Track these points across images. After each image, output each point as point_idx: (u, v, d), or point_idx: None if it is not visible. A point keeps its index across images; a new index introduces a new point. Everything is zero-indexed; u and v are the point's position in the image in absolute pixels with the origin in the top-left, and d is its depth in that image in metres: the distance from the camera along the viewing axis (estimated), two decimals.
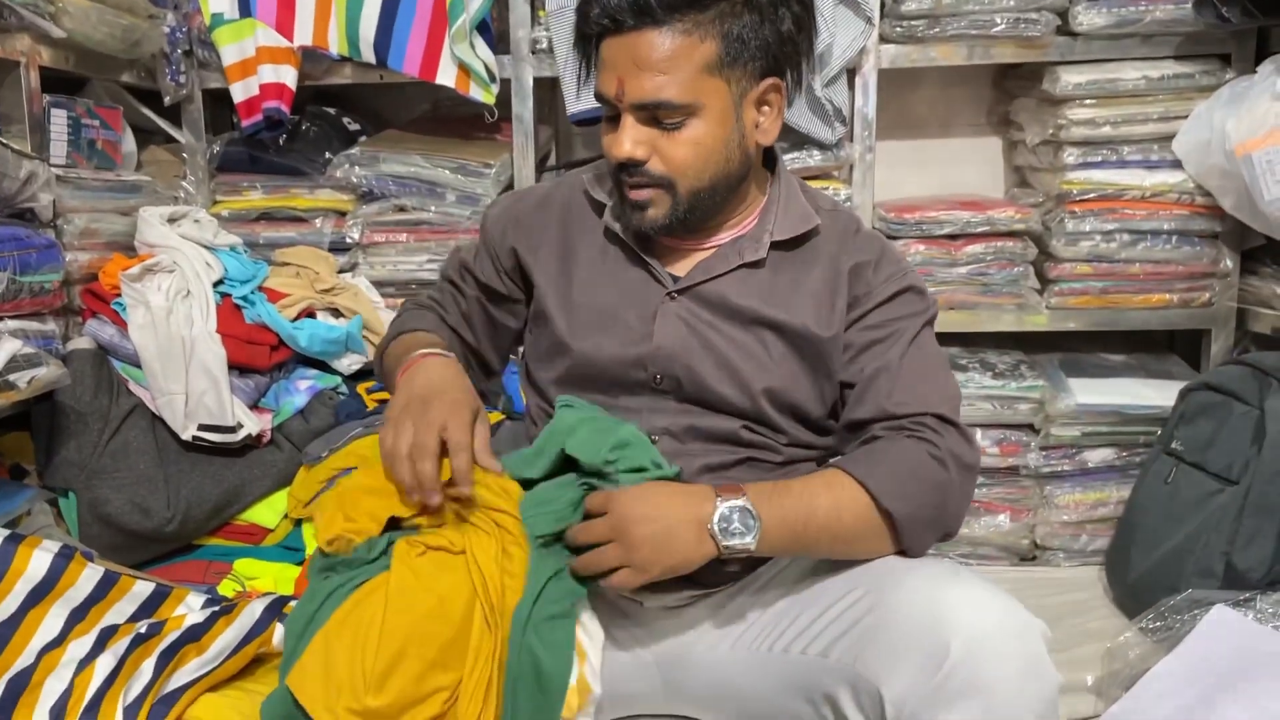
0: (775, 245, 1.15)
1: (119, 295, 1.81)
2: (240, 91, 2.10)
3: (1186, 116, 2.07)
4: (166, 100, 2.15)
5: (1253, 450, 1.81)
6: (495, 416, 1.99)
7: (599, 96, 1.10)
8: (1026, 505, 2.22)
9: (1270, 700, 1.48)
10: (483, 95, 2.08)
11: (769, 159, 1.22)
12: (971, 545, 2.22)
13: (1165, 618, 1.69)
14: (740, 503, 0.98)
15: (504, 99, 2.13)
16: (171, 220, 1.95)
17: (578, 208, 1.22)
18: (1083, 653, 1.80)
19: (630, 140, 1.06)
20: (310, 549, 1.81)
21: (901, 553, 1.05)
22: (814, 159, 2.14)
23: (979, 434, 2.18)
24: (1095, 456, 2.20)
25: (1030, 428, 2.19)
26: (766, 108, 1.13)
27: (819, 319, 1.13)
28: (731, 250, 1.15)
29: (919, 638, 0.88)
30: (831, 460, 1.12)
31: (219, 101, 2.26)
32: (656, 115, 1.07)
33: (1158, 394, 2.15)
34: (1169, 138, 2.09)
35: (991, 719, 0.85)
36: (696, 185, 1.09)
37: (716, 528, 0.97)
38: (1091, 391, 2.17)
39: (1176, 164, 2.09)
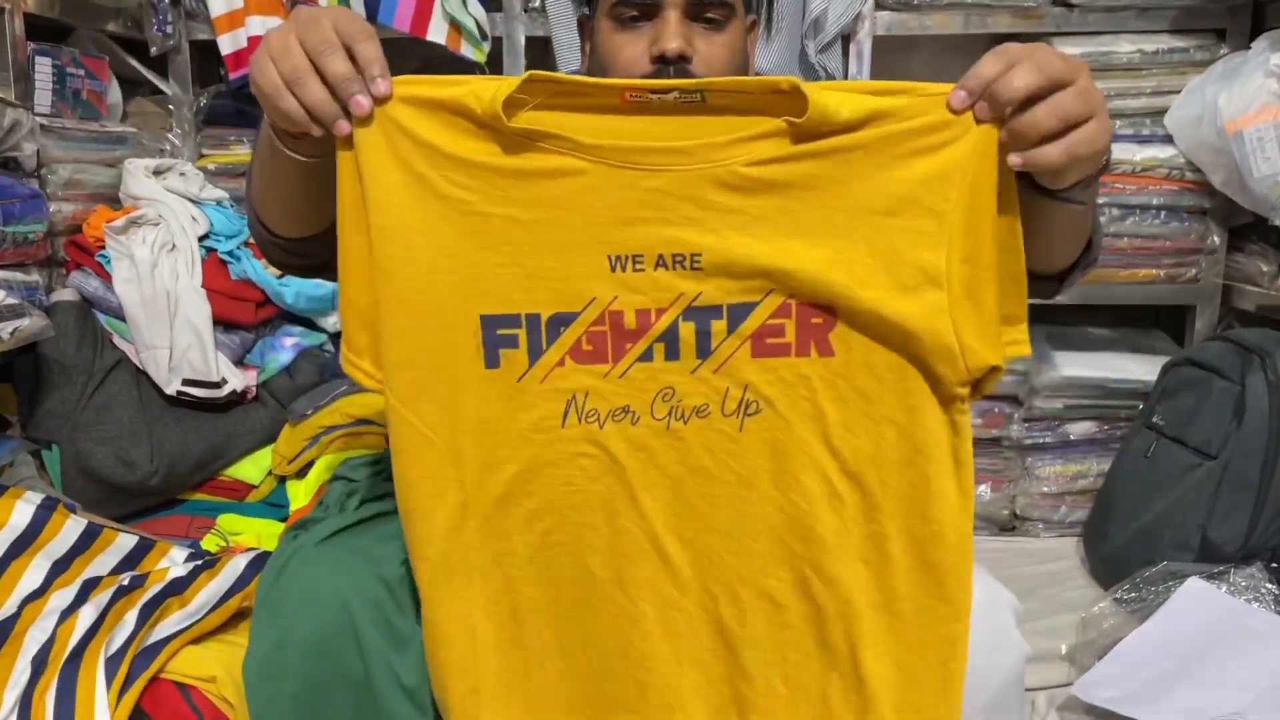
0: None
1: (103, 247, 1.80)
2: (228, 43, 2.07)
3: (1180, 91, 2.07)
4: (153, 51, 2.12)
5: (1232, 426, 1.82)
6: None
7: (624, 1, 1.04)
8: (1008, 476, 2.23)
9: (1241, 671, 1.51)
10: (474, 53, 2.06)
11: None
12: None
13: (1140, 589, 1.72)
14: None
15: (495, 57, 2.11)
16: (157, 173, 1.93)
17: None
18: (1058, 622, 1.83)
19: (680, 36, 1.04)
20: (294, 505, 1.82)
21: (1072, 269, 0.96)
22: None
23: None
24: (1077, 429, 2.22)
25: (1014, 399, 2.20)
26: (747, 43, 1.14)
27: None
28: None
29: None
30: None
31: (206, 53, 2.23)
32: (705, 11, 1.05)
33: (1141, 368, 2.17)
34: (1161, 112, 2.09)
35: None
36: None
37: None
38: (1076, 365, 2.19)
39: (1168, 139, 2.09)
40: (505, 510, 0.81)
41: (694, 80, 0.78)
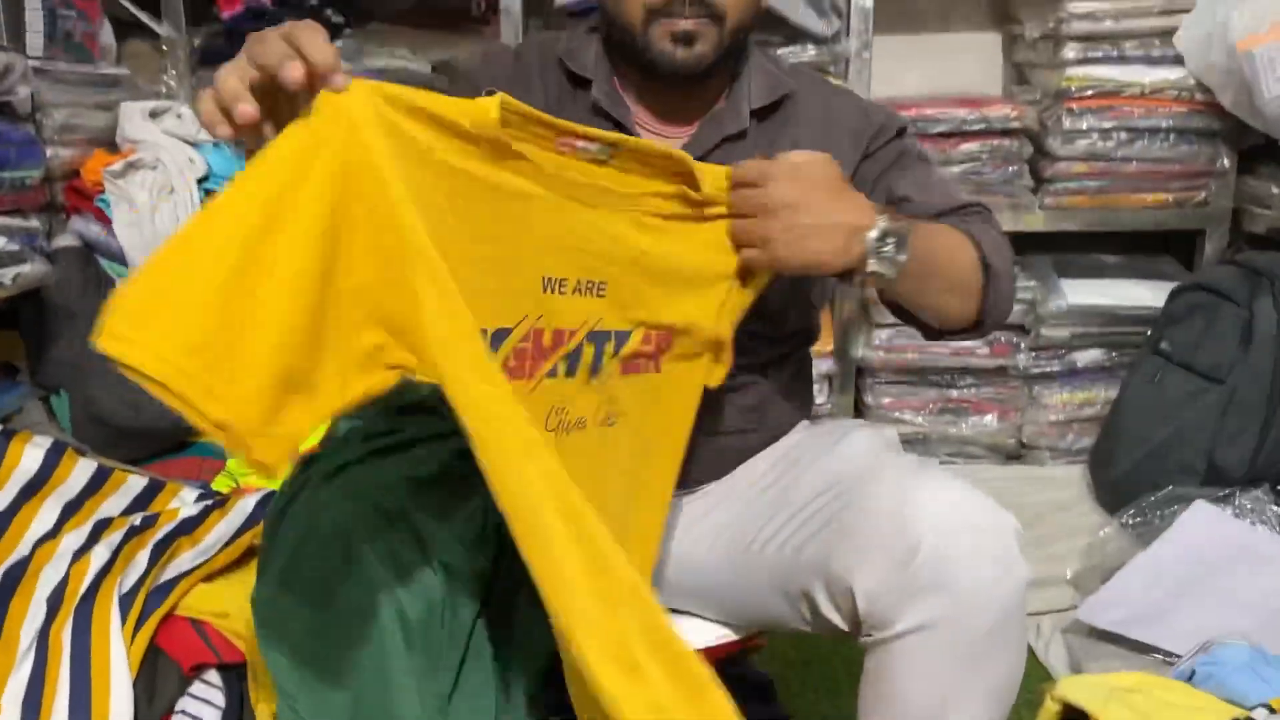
0: (754, 113, 1.13)
1: (103, 192, 1.79)
2: None
3: (1190, 10, 2.03)
4: None
5: (1240, 351, 1.82)
6: None
7: None
8: (1014, 405, 2.23)
9: (1245, 592, 1.52)
10: None
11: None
12: (959, 444, 2.25)
13: (1145, 513, 1.72)
14: (899, 226, 0.94)
15: None
16: (153, 115, 1.92)
17: (553, 83, 1.17)
18: (1064, 548, 1.84)
19: None
20: (303, 444, 1.83)
21: (978, 323, 1.06)
22: (809, 53, 2.09)
23: None
24: (1084, 357, 2.21)
25: (1021, 328, 2.19)
26: None
27: None
28: (711, 126, 1.13)
29: (889, 534, 0.89)
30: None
31: None
32: None
33: (1149, 294, 2.15)
34: (1171, 32, 2.05)
35: (958, 612, 0.87)
36: (738, 23, 1.06)
37: (871, 244, 0.92)
38: (1083, 292, 2.17)
39: (1178, 60, 2.06)
40: None
41: (614, 135, 0.87)
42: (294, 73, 0.70)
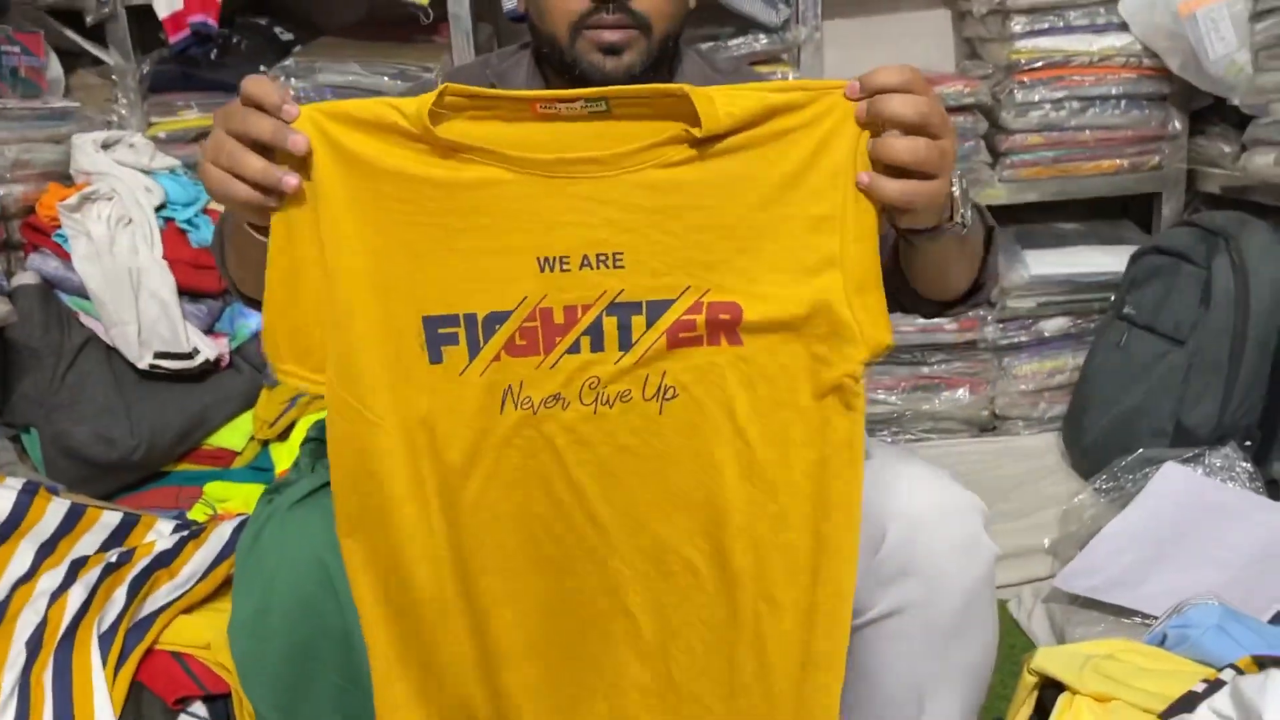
0: None
1: (59, 227, 1.78)
2: (164, 6, 2.02)
3: None
4: (89, 20, 2.07)
5: (1200, 310, 1.84)
6: None
7: None
8: (985, 378, 2.25)
9: (1218, 550, 1.54)
10: None
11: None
12: (933, 420, 2.26)
13: (1118, 478, 1.74)
14: (965, 185, 0.88)
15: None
16: (106, 146, 1.90)
17: None
18: (1042, 517, 1.86)
19: None
20: (280, 467, 1.83)
21: (975, 288, 1.02)
22: (760, 43, 2.10)
23: None
24: (1051, 326, 2.23)
25: (987, 301, 2.21)
26: None
27: None
28: None
29: None
30: None
31: (145, 18, 2.17)
32: None
33: (1111, 260, 2.17)
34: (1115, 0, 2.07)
35: (928, 595, 0.88)
36: (664, 30, 1.06)
37: (959, 191, 0.87)
38: (1046, 262, 2.19)
39: (1123, 26, 2.07)
40: (454, 486, 0.87)
41: (596, 90, 0.81)
42: (263, 127, 0.79)
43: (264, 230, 0.85)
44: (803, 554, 0.86)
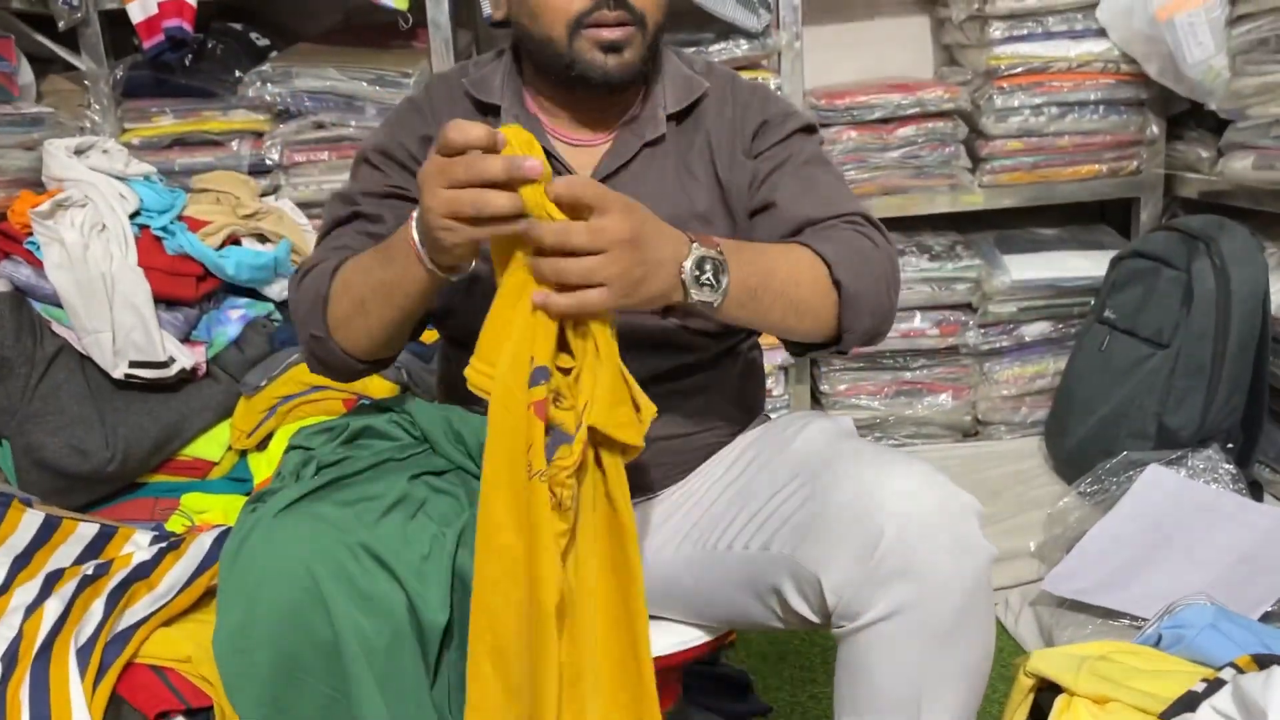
0: (670, 116, 1.12)
1: (31, 234, 1.74)
2: (138, 11, 2.00)
3: None
4: (61, 25, 2.04)
5: (1181, 313, 1.85)
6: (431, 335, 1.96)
7: None
8: (967, 383, 2.26)
9: (1203, 550, 1.54)
10: (395, 1, 2.01)
11: None
12: (916, 425, 2.27)
13: (1102, 481, 1.75)
14: (714, 253, 0.93)
15: (419, 3, 2.05)
16: (79, 152, 1.87)
17: (462, 114, 1.14)
18: (1026, 520, 1.86)
19: None
20: (258, 478, 1.80)
21: (837, 338, 1.04)
22: (741, 49, 2.10)
23: (918, 317, 2.21)
24: (1032, 330, 2.24)
25: (968, 307, 2.22)
26: None
27: (730, 179, 1.11)
28: (630, 134, 1.12)
29: (853, 525, 0.89)
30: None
31: (118, 23, 2.15)
32: None
33: (1090, 265, 2.19)
34: (1093, 6, 2.08)
35: (925, 596, 0.87)
36: (657, 23, 1.06)
37: (689, 274, 0.91)
38: (1026, 267, 2.20)
39: (1101, 32, 2.09)
40: None
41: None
42: (494, 167, 0.84)
43: (453, 270, 0.92)
44: None
